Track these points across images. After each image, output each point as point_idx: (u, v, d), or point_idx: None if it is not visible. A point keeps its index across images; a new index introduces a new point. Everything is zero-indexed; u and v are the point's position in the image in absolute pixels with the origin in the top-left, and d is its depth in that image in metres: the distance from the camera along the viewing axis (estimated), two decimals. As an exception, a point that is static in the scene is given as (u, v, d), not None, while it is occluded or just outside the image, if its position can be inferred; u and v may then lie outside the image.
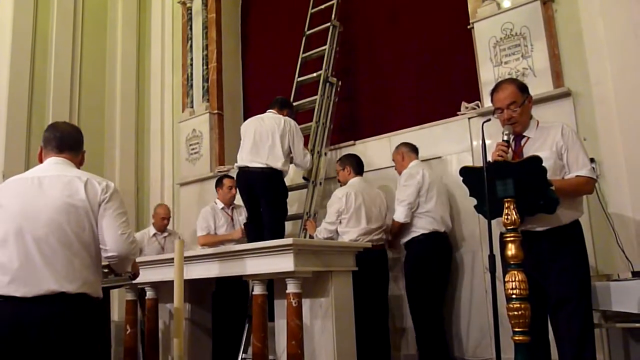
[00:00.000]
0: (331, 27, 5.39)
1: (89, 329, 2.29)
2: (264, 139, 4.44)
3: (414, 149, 4.37)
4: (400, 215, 4.09)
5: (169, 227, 5.76)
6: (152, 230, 5.58)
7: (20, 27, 6.18)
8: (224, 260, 3.47)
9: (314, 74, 5.30)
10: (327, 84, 5.20)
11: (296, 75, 5.47)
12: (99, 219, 2.34)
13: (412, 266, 4.13)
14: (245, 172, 4.46)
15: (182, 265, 2.95)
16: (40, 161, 2.51)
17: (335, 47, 5.38)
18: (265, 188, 4.40)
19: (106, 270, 2.72)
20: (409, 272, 4.15)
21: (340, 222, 4.25)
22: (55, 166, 2.43)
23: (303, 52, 5.57)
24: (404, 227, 4.15)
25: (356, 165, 4.53)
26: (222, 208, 5.12)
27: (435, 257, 4.09)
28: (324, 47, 5.34)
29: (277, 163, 4.39)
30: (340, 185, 4.55)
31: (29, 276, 2.18)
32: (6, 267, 2.19)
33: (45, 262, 2.19)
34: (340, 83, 5.28)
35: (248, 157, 4.46)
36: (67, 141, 2.50)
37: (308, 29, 5.64)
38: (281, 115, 4.57)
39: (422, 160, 4.38)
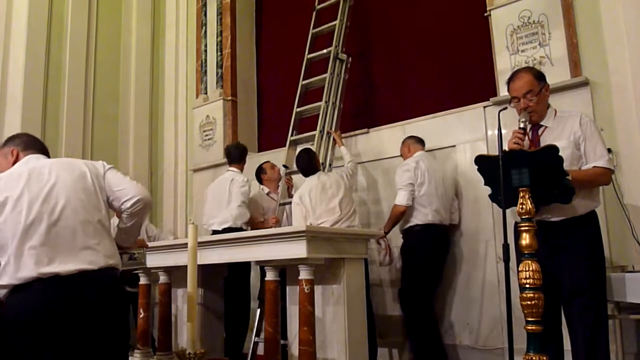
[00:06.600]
0: (341, 2, 5.31)
1: None
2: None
3: (419, 141, 4.39)
4: (402, 199, 4.07)
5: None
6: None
7: (36, 12, 6.20)
8: (237, 246, 3.48)
9: (324, 51, 5.19)
10: (337, 61, 5.11)
11: (306, 52, 5.38)
12: None
13: (404, 255, 4.17)
14: None
15: (196, 250, 2.96)
16: None
17: (345, 22, 5.29)
18: None
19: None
20: (403, 261, 4.19)
21: None
22: None
23: (313, 28, 5.45)
24: (405, 215, 4.12)
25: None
26: (268, 193, 5.12)
27: (427, 248, 4.08)
28: (334, 22, 5.25)
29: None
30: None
31: None
32: None
33: None
34: (350, 60, 5.19)
35: None
36: None
37: (318, 4, 5.56)
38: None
39: (436, 150, 4.39)
